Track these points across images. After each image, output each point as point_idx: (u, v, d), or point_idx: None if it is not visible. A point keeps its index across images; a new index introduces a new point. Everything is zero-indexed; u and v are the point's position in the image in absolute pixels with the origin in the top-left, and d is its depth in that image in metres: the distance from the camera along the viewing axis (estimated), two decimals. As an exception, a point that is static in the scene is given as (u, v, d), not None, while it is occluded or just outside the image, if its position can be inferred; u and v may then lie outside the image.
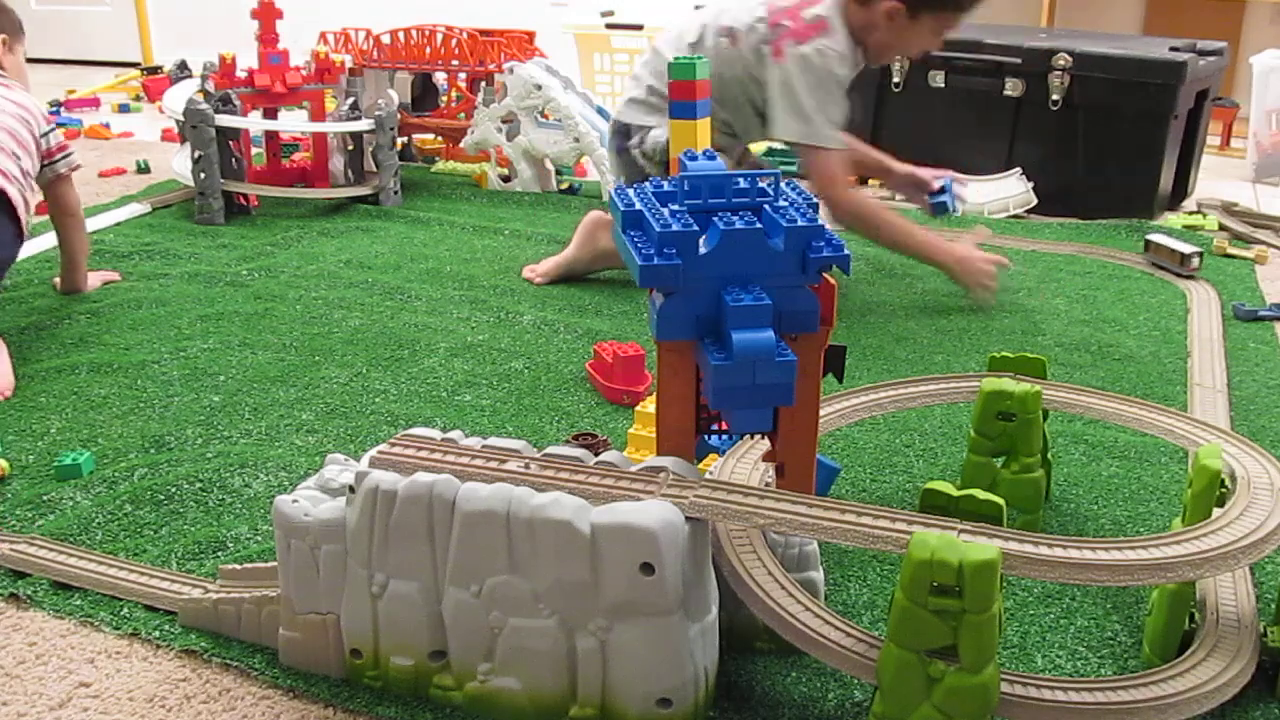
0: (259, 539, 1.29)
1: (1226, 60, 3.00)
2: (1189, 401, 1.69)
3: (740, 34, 2.10)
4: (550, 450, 1.03)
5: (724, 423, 1.08)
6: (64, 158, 2.00)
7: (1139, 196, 2.75)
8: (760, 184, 1.02)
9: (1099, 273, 2.34)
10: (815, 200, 1.02)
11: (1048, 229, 2.66)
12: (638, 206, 1.01)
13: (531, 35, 3.13)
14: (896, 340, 1.94)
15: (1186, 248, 2.30)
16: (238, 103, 2.64)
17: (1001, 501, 0.97)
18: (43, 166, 1.97)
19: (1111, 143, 2.76)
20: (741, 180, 1.01)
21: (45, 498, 1.38)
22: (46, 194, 2.03)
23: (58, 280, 2.15)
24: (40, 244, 2.42)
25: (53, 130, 2.00)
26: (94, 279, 2.18)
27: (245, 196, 2.70)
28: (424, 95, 3.21)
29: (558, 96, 2.78)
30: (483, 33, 3.04)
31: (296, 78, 2.79)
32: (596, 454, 1.03)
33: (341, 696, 1.04)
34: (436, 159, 3.30)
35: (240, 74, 2.75)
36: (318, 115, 2.90)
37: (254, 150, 2.94)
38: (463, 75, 3.09)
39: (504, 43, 3.01)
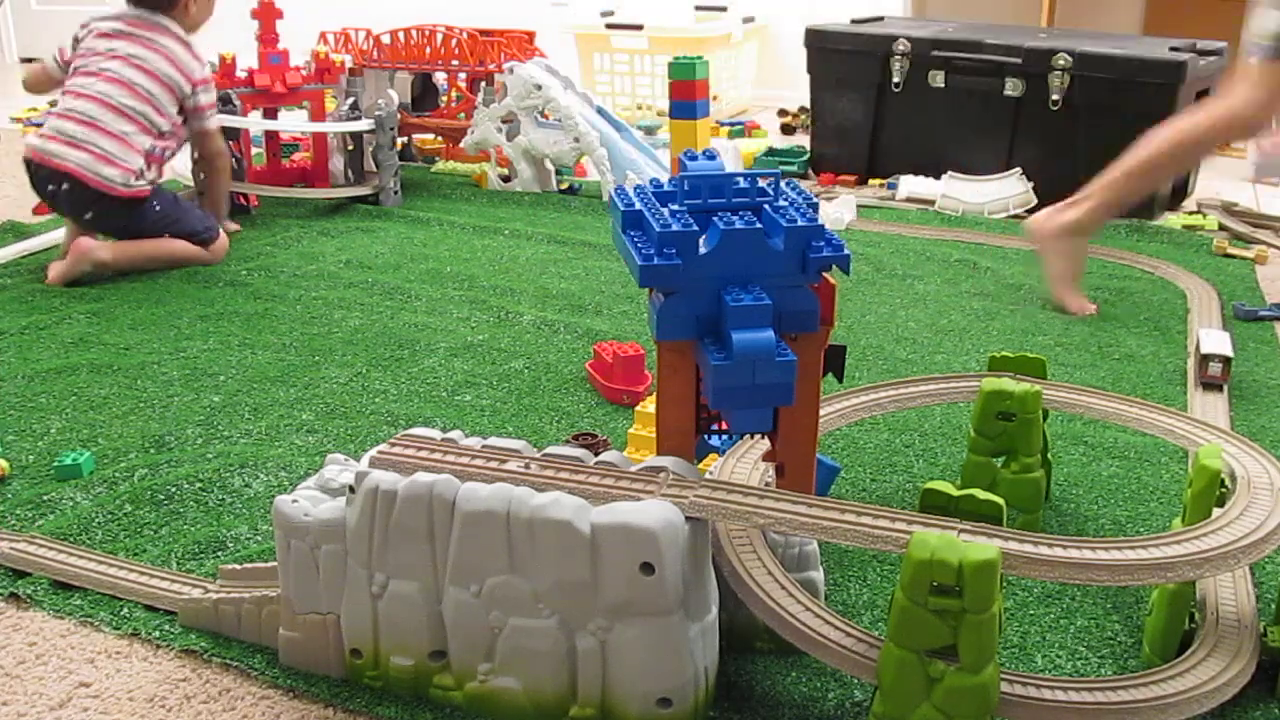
0: (259, 539, 1.29)
1: (1226, 60, 3.00)
2: (1189, 401, 1.69)
3: None
4: (550, 450, 1.03)
5: (724, 423, 1.08)
6: (200, 119, 2.35)
7: (1139, 196, 2.75)
8: (760, 184, 1.02)
9: (1099, 273, 2.34)
10: (815, 200, 1.02)
11: (1048, 229, 2.65)
12: (638, 206, 1.01)
13: (531, 35, 3.13)
14: (896, 340, 1.94)
15: (1218, 346, 1.72)
16: (238, 103, 2.64)
17: (1001, 501, 0.97)
18: (191, 119, 2.34)
19: (1111, 143, 2.75)
20: (741, 180, 1.01)
21: (45, 498, 1.38)
22: (193, 142, 2.40)
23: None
24: (37, 243, 2.42)
25: (202, 91, 2.33)
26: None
27: (245, 196, 2.70)
28: (424, 95, 3.21)
29: (558, 96, 2.78)
30: (483, 33, 3.04)
31: (296, 78, 2.79)
32: (596, 454, 1.03)
33: (341, 696, 1.04)
34: (436, 159, 3.30)
35: (240, 74, 2.75)
36: (318, 115, 2.90)
37: (254, 150, 2.94)
38: (463, 75, 3.09)
39: (504, 43, 3.01)
